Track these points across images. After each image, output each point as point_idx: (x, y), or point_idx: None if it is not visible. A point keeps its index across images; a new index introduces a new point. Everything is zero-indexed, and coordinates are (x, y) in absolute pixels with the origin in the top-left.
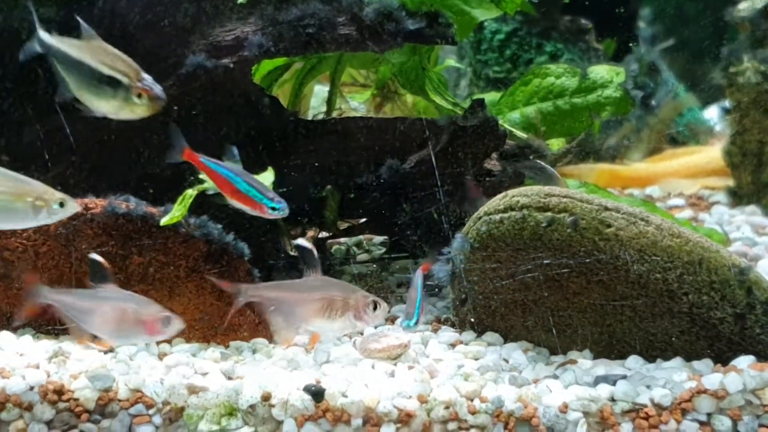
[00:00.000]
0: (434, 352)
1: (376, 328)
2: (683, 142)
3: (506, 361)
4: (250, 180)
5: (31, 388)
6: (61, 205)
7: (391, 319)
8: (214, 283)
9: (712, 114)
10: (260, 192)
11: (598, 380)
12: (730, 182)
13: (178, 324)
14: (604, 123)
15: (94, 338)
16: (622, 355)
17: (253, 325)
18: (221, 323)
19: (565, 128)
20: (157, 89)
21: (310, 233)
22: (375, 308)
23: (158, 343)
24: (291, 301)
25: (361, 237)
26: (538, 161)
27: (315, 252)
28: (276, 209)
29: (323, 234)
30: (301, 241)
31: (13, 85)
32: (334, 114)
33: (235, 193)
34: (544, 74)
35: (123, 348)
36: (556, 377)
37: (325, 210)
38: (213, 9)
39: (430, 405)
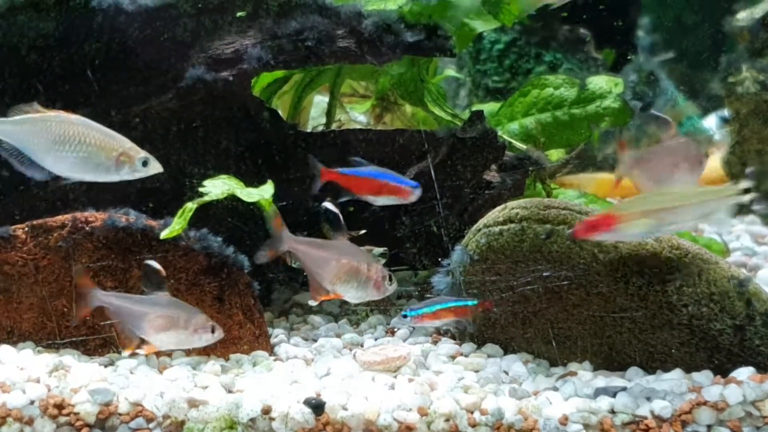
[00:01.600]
0: (434, 364)
1: (376, 340)
2: None
3: (506, 373)
4: (386, 171)
5: (32, 403)
6: (145, 163)
7: (391, 331)
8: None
9: (711, 123)
10: (398, 177)
11: (598, 392)
12: None
13: (220, 333)
14: (604, 132)
15: (142, 343)
16: (622, 367)
17: (253, 337)
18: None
19: (564, 139)
20: None
21: None
22: (390, 281)
23: (158, 356)
24: (320, 260)
25: (361, 248)
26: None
27: (340, 215)
28: (415, 188)
29: None
30: (328, 204)
31: (13, 97)
32: (334, 125)
33: (383, 187)
34: (542, 85)
35: (123, 361)
36: (556, 389)
37: (325, 222)
38: (212, 23)
39: (430, 417)
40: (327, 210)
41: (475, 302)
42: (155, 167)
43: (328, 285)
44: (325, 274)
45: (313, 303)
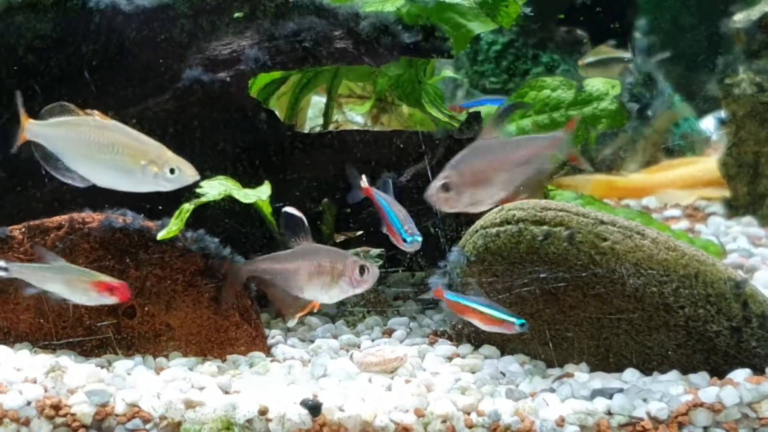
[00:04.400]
0: (431, 365)
1: (373, 341)
2: (680, 152)
3: (503, 374)
4: (397, 211)
5: (29, 403)
6: (173, 172)
7: (388, 332)
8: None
9: (708, 124)
10: (401, 223)
11: (595, 394)
12: (727, 193)
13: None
14: (601, 134)
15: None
16: (619, 369)
17: (250, 338)
18: (218, 336)
19: None
20: None
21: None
22: (363, 272)
23: (155, 357)
24: (283, 272)
25: (358, 250)
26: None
27: (304, 219)
28: (407, 241)
29: None
30: (289, 209)
31: (9, 99)
32: (331, 126)
33: (386, 224)
34: (540, 87)
35: (120, 362)
36: (553, 391)
37: (322, 223)
38: (209, 24)
39: (427, 419)
40: (288, 215)
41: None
42: (188, 175)
43: (300, 294)
44: (292, 284)
45: (292, 323)
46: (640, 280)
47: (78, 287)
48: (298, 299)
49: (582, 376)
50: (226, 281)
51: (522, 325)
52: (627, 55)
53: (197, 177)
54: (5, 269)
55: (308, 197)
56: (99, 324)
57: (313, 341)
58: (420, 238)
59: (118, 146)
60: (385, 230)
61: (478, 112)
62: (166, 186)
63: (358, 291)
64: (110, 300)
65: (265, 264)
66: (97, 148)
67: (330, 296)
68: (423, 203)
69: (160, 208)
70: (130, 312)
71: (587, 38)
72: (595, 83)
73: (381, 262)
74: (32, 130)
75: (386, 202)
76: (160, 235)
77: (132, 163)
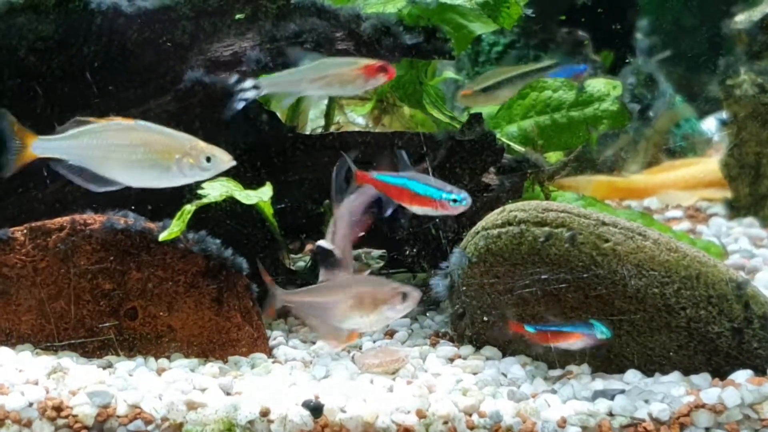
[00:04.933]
0: (432, 366)
1: (374, 342)
2: (681, 154)
3: (504, 375)
4: (425, 180)
5: (31, 405)
6: (209, 160)
7: (390, 333)
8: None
9: (709, 125)
10: (438, 188)
11: (597, 395)
12: (728, 194)
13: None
14: (602, 135)
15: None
16: (621, 370)
17: (252, 339)
18: (220, 337)
19: (562, 142)
20: None
21: (309, 247)
22: (405, 299)
23: (157, 358)
24: (323, 304)
25: (359, 251)
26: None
27: (337, 252)
28: (458, 201)
29: None
30: (322, 243)
31: (11, 101)
32: (333, 128)
33: (414, 198)
34: (541, 88)
35: (121, 364)
36: (554, 392)
37: (324, 224)
38: (211, 25)
39: (428, 420)
40: (320, 248)
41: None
42: (224, 161)
43: (340, 324)
44: (332, 316)
45: (337, 350)
46: (641, 281)
47: (348, 80)
48: (338, 329)
49: (583, 378)
50: (264, 307)
51: (455, 200)
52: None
53: (233, 162)
54: (257, 87)
55: (310, 198)
56: (101, 325)
57: (314, 342)
58: (468, 197)
59: (150, 144)
60: (418, 211)
61: (479, 114)
62: (204, 175)
63: (399, 317)
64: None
65: (304, 297)
66: (127, 151)
67: (371, 324)
68: None
69: (161, 210)
70: (131, 313)
71: (588, 39)
72: (597, 84)
73: (382, 263)
74: (42, 146)
75: (404, 177)
76: (162, 237)
77: (167, 159)
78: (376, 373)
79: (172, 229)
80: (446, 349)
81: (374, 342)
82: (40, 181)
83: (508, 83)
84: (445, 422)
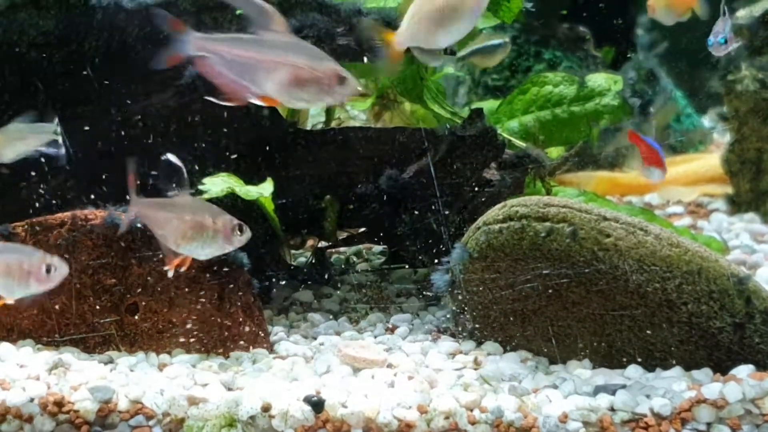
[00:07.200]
0: (434, 361)
1: (376, 337)
2: (682, 149)
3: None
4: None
5: (32, 400)
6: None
7: (391, 329)
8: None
9: (710, 121)
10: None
11: (598, 390)
12: (729, 190)
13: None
14: (603, 130)
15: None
16: (622, 365)
17: (253, 335)
18: (221, 333)
19: (563, 137)
20: None
21: (310, 242)
22: (241, 231)
23: (158, 353)
24: (163, 221)
25: (360, 246)
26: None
27: (185, 170)
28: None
29: (323, 243)
30: (169, 156)
31: (12, 96)
32: (333, 123)
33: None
34: (542, 83)
35: (123, 359)
36: (555, 387)
37: (325, 220)
38: (212, 20)
39: (429, 415)
40: (167, 161)
41: None
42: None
43: (174, 246)
44: (169, 235)
45: (170, 272)
46: (643, 276)
47: None
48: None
49: (585, 373)
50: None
51: None
52: (504, 39)
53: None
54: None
55: (311, 194)
56: (102, 321)
57: (315, 338)
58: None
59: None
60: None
61: (480, 109)
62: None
63: (229, 250)
64: None
65: (150, 209)
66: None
67: (204, 253)
68: (426, 201)
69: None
70: (132, 309)
71: (589, 35)
72: (598, 79)
73: (384, 259)
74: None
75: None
76: None
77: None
78: (349, 364)
79: None
80: (447, 344)
81: (375, 338)
82: (41, 176)
83: None
84: (447, 417)
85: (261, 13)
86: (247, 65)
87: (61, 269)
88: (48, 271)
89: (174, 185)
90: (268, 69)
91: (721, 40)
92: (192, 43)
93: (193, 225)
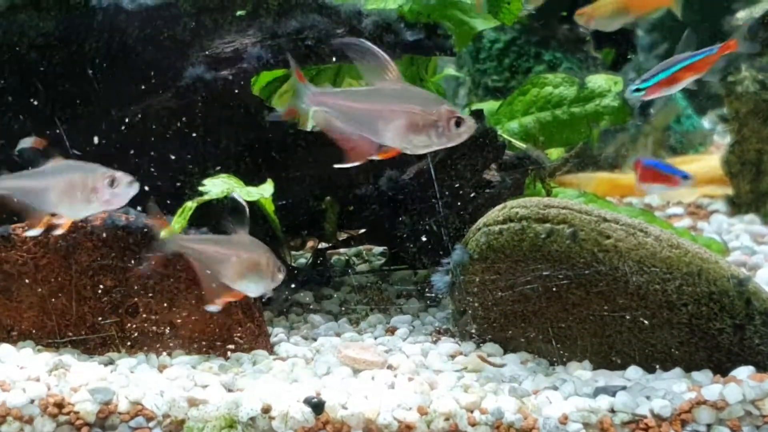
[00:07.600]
0: (434, 363)
1: (376, 339)
2: (682, 150)
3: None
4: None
5: (32, 402)
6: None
7: (391, 330)
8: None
9: (710, 122)
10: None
11: (598, 391)
12: (729, 191)
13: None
14: (603, 131)
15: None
16: (622, 366)
17: (253, 336)
18: (221, 334)
19: (563, 138)
20: None
21: (310, 244)
22: (280, 271)
23: (158, 355)
24: (217, 258)
25: (360, 248)
26: None
27: (247, 210)
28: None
29: (323, 245)
30: (236, 195)
31: (11, 97)
32: None
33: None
34: (542, 84)
35: (123, 360)
36: (556, 388)
37: (325, 221)
38: (212, 22)
39: (430, 417)
40: (233, 199)
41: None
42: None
43: (229, 282)
44: (224, 271)
45: (214, 309)
46: (643, 277)
47: None
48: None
49: (585, 374)
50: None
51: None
52: None
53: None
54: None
55: (311, 195)
56: (102, 322)
57: (315, 339)
58: None
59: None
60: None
61: (480, 110)
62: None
63: (272, 288)
64: None
65: (198, 245)
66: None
67: (256, 290)
68: (426, 201)
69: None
70: (133, 310)
71: (589, 36)
72: (598, 80)
73: (384, 260)
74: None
75: None
76: (163, 233)
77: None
78: (348, 365)
79: (174, 225)
80: (448, 345)
81: (375, 339)
82: None
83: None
84: (447, 419)
85: (378, 63)
86: (364, 117)
87: (124, 182)
88: (112, 185)
89: (235, 224)
90: (384, 118)
91: (634, 88)
92: (310, 97)
93: (250, 264)
